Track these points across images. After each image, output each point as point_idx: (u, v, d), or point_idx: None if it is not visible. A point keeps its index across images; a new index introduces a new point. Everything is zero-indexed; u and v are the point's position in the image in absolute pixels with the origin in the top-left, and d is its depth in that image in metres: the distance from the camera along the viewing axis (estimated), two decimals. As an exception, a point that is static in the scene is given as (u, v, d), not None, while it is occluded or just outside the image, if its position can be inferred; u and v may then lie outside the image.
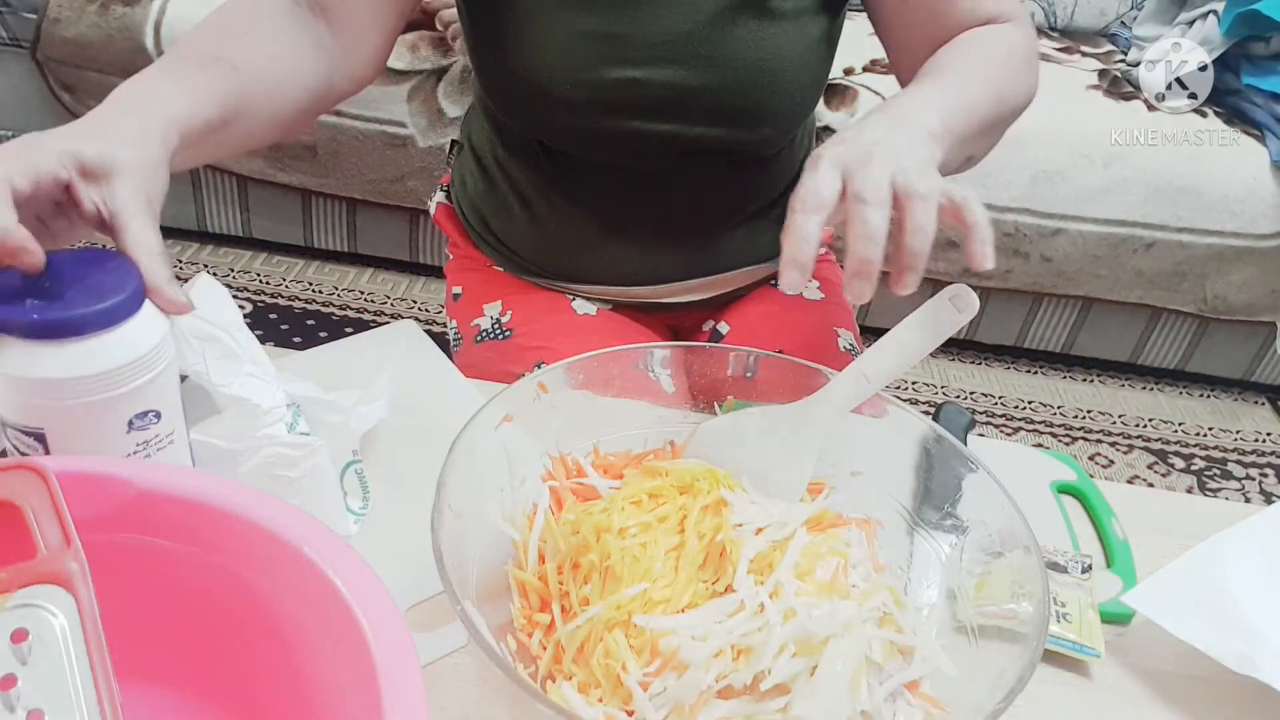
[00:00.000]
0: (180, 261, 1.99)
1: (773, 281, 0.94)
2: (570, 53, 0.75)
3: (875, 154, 0.56)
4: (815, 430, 0.57)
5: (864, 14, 0.80)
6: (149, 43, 1.74)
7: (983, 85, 0.68)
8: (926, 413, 0.62)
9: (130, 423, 0.47)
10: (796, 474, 0.57)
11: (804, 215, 0.55)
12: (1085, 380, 2.04)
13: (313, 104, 0.72)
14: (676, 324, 0.96)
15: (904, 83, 0.77)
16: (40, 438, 0.46)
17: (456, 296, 0.94)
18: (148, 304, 0.48)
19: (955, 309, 0.53)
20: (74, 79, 1.83)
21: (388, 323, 0.82)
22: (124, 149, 0.50)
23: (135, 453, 0.48)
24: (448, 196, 0.98)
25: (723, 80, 0.75)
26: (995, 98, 0.69)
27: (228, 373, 0.54)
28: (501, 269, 0.92)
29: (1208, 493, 1.77)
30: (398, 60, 1.75)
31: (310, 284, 2.00)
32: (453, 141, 0.99)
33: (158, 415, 0.48)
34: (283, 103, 0.68)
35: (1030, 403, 1.95)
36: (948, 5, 0.74)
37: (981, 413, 1.90)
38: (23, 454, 0.47)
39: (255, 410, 0.54)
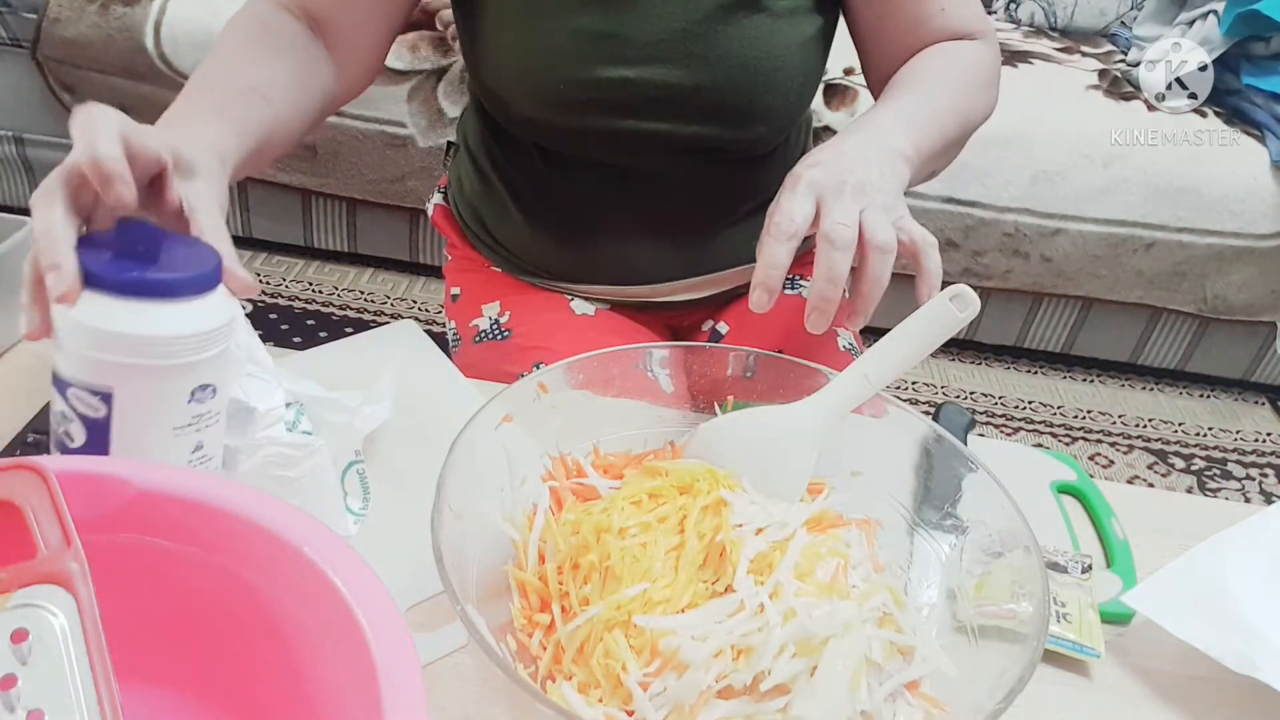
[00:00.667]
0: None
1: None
2: (564, 52, 0.75)
3: (848, 184, 0.60)
4: (815, 430, 0.57)
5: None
6: (149, 43, 1.74)
7: (949, 106, 0.73)
8: (926, 413, 0.62)
9: (193, 393, 0.48)
10: (796, 474, 0.57)
11: (775, 242, 0.59)
12: (1085, 380, 2.04)
13: (320, 116, 0.76)
14: (676, 323, 0.96)
15: (875, 90, 0.81)
16: (107, 398, 0.47)
17: (455, 297, 0.94)
18: (223, 285, 0.51)
19: (956, 309, 0.54)
20: (74, 79, 1.83)
21: (388, 323, 0.82)
22: (207, 157, 0.56)
23: (190, 425, 0.49)
24: (445, 198, 0.98)
25: (715, 79, 0.75)
26: (960, 119, 0.74)
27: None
28: (499, 269, 0.92)
29: (1208, 493, 1.77)
30: (398, 60, 1.75)
31: (310, 284, 1.99)
32: (449, 143, 0.99)
33: (214, 391, 0.50)
34: (301, 121, 0.72)
35: (1030, 403, 1.95)
36: (921, 19, 0.77)
37: (981, 413, 1.90)
38: (83, 415, 0.47)
39: (254, 410, 0.54)
